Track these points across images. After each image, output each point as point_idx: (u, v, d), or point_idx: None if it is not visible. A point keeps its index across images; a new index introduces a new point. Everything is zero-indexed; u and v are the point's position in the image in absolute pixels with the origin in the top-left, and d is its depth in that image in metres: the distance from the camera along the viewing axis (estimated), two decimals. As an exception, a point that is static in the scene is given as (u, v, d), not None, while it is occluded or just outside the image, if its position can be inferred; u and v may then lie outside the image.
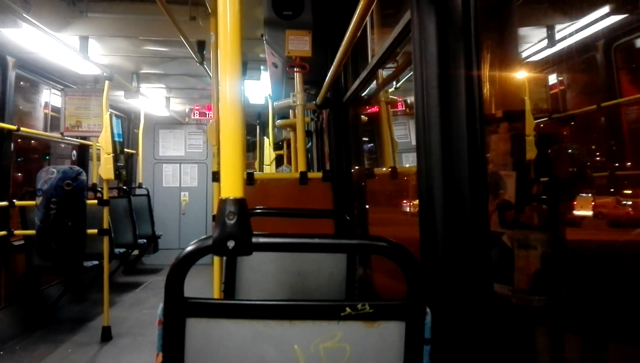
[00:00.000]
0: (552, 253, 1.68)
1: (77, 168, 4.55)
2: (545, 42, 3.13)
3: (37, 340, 4.48)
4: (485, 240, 1.22)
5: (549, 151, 2.22)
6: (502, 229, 1.77)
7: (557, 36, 3.06)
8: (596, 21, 2.71)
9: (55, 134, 5.86)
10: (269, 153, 8.88)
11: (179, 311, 0.98)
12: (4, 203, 4.67)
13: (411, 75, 1.37)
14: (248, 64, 5.01)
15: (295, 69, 3.00)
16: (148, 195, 7.99)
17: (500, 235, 1.77)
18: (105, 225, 4.62)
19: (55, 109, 6.21)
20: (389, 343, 0.99)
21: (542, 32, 3.13)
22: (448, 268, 1.20)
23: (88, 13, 4.09)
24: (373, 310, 0.98)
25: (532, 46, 3.22)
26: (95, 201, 4.82)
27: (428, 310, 1.00)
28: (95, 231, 4.60)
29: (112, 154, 4.40)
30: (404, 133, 5.70)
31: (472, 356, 1.17)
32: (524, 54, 3.19)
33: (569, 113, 3.09)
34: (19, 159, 7.05)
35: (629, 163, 2.93)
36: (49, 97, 6.35)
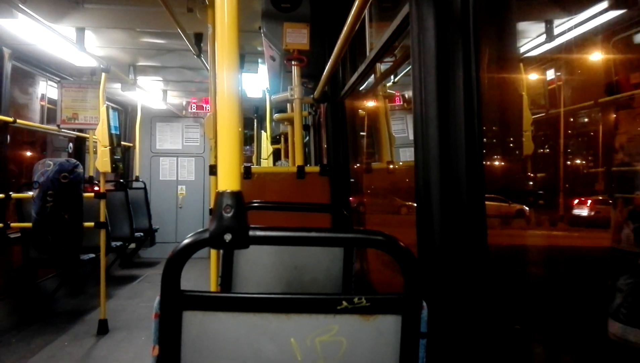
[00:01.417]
0: None
1: (73, 160, 4.53)
2: (543, 37, 3.11)
3: (33, 332, 4.47)
4: (482, 234, 1.22)
5: None
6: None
7: (556, 31, 3.05)
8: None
9: (52, 127, 5.83)
10: (267, 147, 8.87)
11: (175, 304, 0.98)
12: (1, 195, 4.65)
13: (409, 69, 1.37)
14: (246, 57, 4.98)
15: (293, 62, 2.99)
16: (145, 188, 7.97)
17: (636, 257, 1.25)
18: (102, 218, 4.61)
19: (51, 102, 6.17)
20: (385, 337, 1.00)
21: (540, 27, 3.12)
22: (445, 262, 1.20)
23: (85, 4, 4.06)
24: (369, 304, 0.99)
25: (531, 40, 3.21)
26: (92, 194, 4.80)
27: (424, 304, 1.00)
28: (92, 224, 4.59)
29: (108, 147, 4.38)
30: (401, 128, 5.69)
31: (467, 350, 1.17)
32: (522, 49, 3.18)
33: None
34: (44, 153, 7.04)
35: None
36: (46, 89, 6.30)
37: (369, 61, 2.35)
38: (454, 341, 1.18)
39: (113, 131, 4.52)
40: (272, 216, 2.37)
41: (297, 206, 2.37)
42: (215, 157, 3.07)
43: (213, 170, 3.10)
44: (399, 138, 4.61)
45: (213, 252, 2.96)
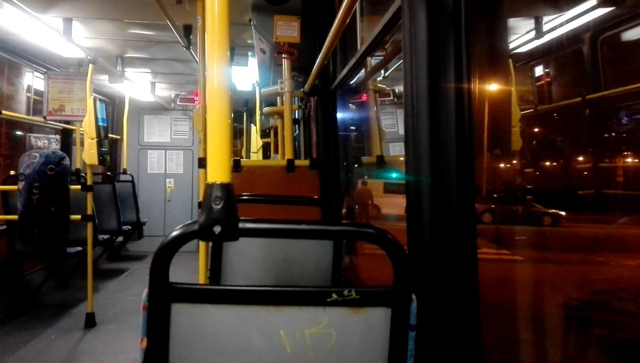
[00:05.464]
0: None
1: (60, 152, 4.48)
2: (532, 34, 3.14)
3: (19, 326, 4.43)
4: (471, 228, 1.22)
5: None
6: None
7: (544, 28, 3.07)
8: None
9: (38, 118, 5.76)
10: (256, 141, 8.83)
11: (164, 296, 0.97)
12: (-15, 188, 4.59)
13: (400, 64, 1.37)
14: (236, 50, 4.95)
15: (283, 56, 2.97)
16: (133, 181, 7.91)
17: None
18: (89, 211, 4.56)
19: (37, 93, 6.08)
20: (375, 329, 1.00)
21: (529, 23, 3.14)
22: (434, 255, 1.20)
23: (72, -6, 3.99)
24: (359, 297, 0.99)
25: (520, 37, 3.23)
26: (79, 187, 4.76)
27: (414, 296, 1.00)
28: (78, 217, 4.54)
29: (96, 139, 4.33)
30: (391, 123, 5.71)
31: (456, 342, 1.18)
32: (512, 45, 3.20)
33: None
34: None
35: None
36: (32, 80, 6.21)
37: (360, 55, 2.34)
38: (443, 333, 1.19)
39: (100, 123, 4.47)
40: (262, 210, 2.36)
41: (286, 200, 2.37)
42: (205, 150, 3.06)
43: (202, 163, 3.08)
44: (389, 133, 4.62)
45: (202, 244, 2.95)
